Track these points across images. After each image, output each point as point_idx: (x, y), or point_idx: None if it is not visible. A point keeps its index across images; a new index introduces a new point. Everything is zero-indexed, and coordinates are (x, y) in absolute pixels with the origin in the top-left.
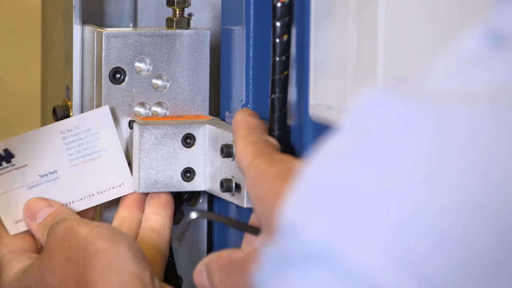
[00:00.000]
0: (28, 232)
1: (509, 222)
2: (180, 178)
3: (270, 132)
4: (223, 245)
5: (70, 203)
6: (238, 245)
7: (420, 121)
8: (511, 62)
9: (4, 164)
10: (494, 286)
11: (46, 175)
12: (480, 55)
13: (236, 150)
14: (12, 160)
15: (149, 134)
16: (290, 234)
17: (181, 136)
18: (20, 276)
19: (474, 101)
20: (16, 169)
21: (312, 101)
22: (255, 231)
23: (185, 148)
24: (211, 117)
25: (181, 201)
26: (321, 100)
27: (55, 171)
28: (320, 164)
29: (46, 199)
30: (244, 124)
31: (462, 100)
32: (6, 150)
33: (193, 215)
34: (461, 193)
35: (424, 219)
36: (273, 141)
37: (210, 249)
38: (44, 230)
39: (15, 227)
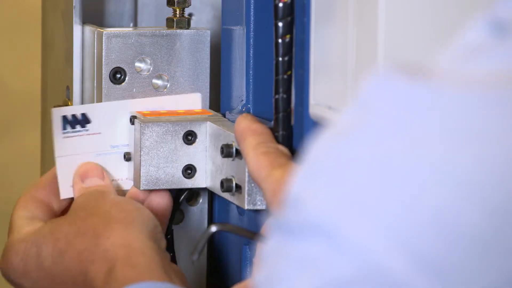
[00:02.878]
0: (49, 211)
1: (501, 202)
2: (181, 175)
3: (274, 133)
4: (224, 248)
5: (122, 179)
6: (237, 247)
7: (421, 102)
8: None
9: (78, 127)
10: (485, 264)
11: (118, 146)
12: (483, 44)
13: (248, 160)
14: (87, 125)
15: (150, 131)
16: (294, 207)
17: (182, 133)
18: (31, 233)
19: (477, 85)
20: (89, 135)
21: (312, 101)
22: None
23: (186, 145)
24: (212, 113)
25: (179, 202)
26: (321, 100)
27: (127, 144)
28: (324, 142)
29: (102, 170)
30: (250, 132)
31: (465, 83)
32: (83, 115)
33: (213, 228)
34: (456, 172)
35: (418, 198)
36: (284, 149)
37: (210, 251)
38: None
39: (69, 192)
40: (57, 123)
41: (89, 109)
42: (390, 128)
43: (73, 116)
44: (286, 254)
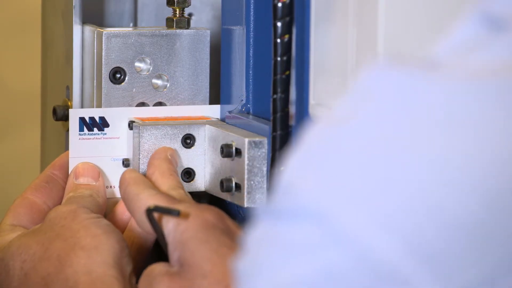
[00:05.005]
0: (39, 215)
1: (500, 191)
2: (180, 178)
3: (272, 133)
4: None
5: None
6: None
7: (420, 92)
8: (509, 44)
9: (96, 130)
10: (479, 252)
11: None
12: (479, 38)
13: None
14: (106, 129)
15: (148, 134)
16: (285, 192)
17: (181, 136)
18: (9, 243)
19: (475, 76)
20: (106, 138)
21: (312, 101)
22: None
23: (184, 149)
24: (210, 118)
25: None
26: (321, 100)
27: None
28: (320, 129)
29: (99, 172)
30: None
31: (464, 75)
32: (102, 118)
33: None
34: (455, 162)
35: (412, 185)
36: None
37: None
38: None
39: None
40: (74, 124)
41: (107, 113)
42: (387, 118)
43: (91, 118)
44: (272, 240)
